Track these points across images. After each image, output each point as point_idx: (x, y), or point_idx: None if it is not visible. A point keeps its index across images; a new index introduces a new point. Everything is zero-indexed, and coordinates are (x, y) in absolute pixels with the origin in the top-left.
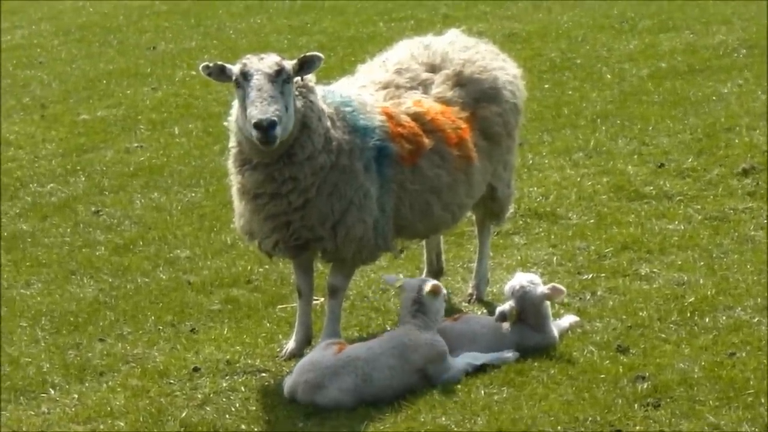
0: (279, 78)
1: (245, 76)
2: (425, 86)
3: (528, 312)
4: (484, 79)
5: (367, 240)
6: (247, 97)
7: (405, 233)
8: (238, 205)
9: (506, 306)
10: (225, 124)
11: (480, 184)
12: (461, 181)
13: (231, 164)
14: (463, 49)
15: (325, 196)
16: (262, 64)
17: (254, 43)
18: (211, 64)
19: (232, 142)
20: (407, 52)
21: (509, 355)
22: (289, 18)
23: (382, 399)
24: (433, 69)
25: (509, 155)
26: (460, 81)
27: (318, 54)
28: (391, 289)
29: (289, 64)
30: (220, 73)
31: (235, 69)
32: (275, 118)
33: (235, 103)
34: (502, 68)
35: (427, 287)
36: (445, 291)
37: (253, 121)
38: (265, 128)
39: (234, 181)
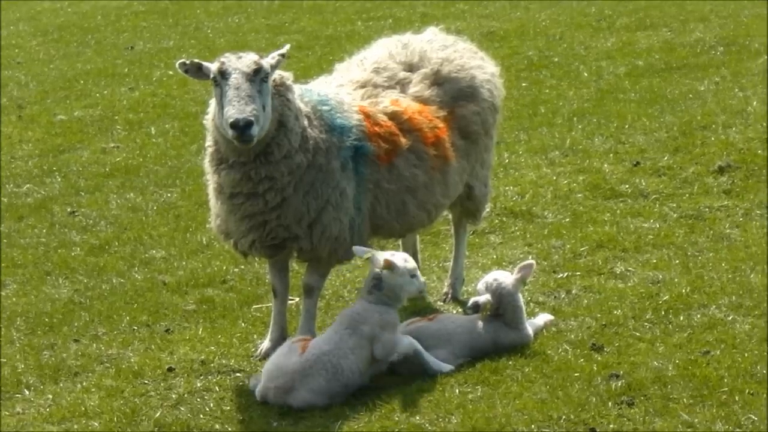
0: (257, 77)
1: (223, 74)
2: (403, 85)
3: (505, 305)
4: (461, 78)
5: (343, 239)
6: (225, 96)
7: (381, 232)
8: (214, 204)
9: (481, 298)
10: (204, 122)
11: (457, 183)
12: (437, 181)
13: (207, 163)
14: (441, 47)
15: (301, 195)
16: (240, 63)
17: (232, 43)
18: (188, 62)
19: (209, 141)
20: (385, 51)
21: (448, 368)
22: (268, 17)
23: (351, 386)
24: (411, 68)
25: (486, 154)
26: (437, 80)
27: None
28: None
29: (267, 63)
30: (197, 71)
31: (212, 67)
32: (252, 118)
33: (213, 102)
34: (480, 67)
35: (380, 262)
36: (403, 266)
37: (230, 120)
38: (242, 128)
39: (210, 180)
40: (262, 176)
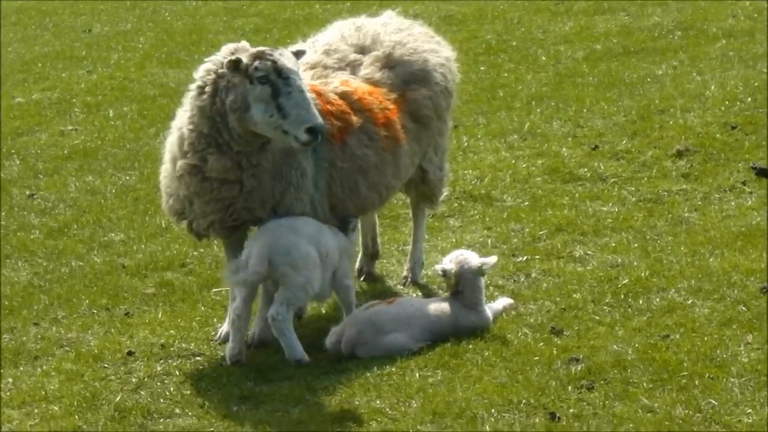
0: None
1: (279, 73)
2: (353, 67)
3: (465, 281)
4: (413, 62)
5: None
6: (287, 97)
7: (336, 212)
8: (167, 184)
9: (446, 264)
10: (189, 101)
11: (408, 166)
12: (388, 162)
13: (185, 146)
14: (396, 31)
15: (269, 179)
16: (290, 62)
17: (189, 25)
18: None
19: (189, 125)
20: (337, 34)
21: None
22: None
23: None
24: (363, 50)
25: (440, 138)
26: (389, 63)
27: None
28: None
29: None
30: (234, 70)
31: (262, 65)
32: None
33: (192, 89)
34: (434, 51)
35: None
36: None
37: (308, 125)
38: (318, 132)
39: (178, 162)
40: (252, 164)
